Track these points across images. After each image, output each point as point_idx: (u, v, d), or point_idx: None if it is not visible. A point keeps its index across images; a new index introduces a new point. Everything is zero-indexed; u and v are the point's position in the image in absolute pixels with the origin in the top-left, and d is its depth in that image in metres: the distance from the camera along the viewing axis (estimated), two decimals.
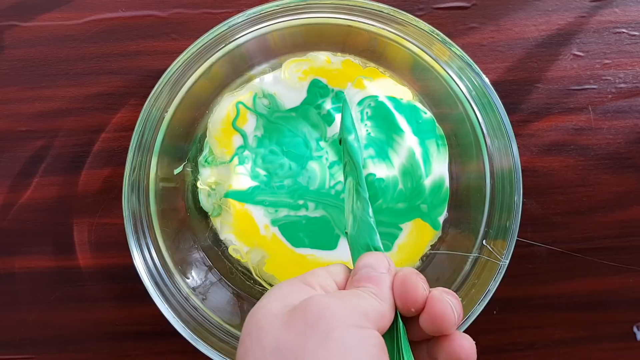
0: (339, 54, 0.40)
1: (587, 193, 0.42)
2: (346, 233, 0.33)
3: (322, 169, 0.40)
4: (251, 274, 0.40)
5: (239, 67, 0.40)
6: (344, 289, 0.28)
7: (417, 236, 0.39)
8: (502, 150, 0.36)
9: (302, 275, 0.28)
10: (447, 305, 0.26)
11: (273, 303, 0.25)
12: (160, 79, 0.36)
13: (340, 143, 0.37)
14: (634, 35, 0.42)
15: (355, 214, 0.33)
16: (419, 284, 0.27)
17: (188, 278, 0.38)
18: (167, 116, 0.37)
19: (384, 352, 0.24)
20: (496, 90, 0.36)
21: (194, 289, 0.38)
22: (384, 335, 0.25)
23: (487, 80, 0.36)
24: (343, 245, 0.40)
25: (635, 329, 0.42)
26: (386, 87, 0.40)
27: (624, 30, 0.42)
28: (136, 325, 0.42)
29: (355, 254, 0.31)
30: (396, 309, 0.27)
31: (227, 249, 0.40)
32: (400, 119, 0.40)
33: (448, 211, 0.40)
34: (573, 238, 0.42)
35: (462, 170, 0.40)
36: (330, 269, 0.29)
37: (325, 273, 0.28)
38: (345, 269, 0.30)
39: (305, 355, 0.22)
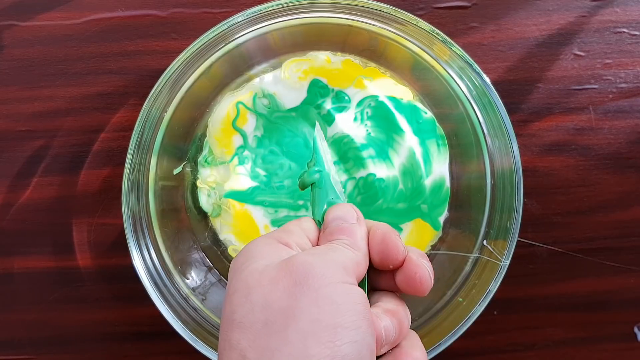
0: (339, 53, 0.40)
1: (588, 193, 0.42)
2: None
3: None
4: None
5: (238, 67, 0.40)
6: (317, 244, 0.29)
7: (417, 236, 0.39)
8: (502, 150, 0.36)
9: (277, 233, 0.28)
10: (426, 271, 0.28)
11: (258, 262, 0.26)
12: (160, 79, 0.36)
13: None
14: (635, 34, 0.42)
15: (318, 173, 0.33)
16: (399, 242, 0.28)
17: (187, 278, 0.38)
18: (167, 116, 0.37)
19: (367, 307, 0.25)
20: (497, 90, 0.36)
21: (193, 289, 0.38)
22: None
23: (487, 80, 0.36)
24: None
25: (636, 330, 0.42)
26: (386, 87, 0.40)
27: (624, 29, 0.42)
28: (135, 326, 0.42)
29: (318, 209, 0.31)
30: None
31: (227, 249, 0.40)
32: (400, 118, 0.39)
33: (448, 211, 0.40)
34: (574, 238, 0.42)
35: (462, 170, 0.40)
36: (303, 226, 0.29)
37: (299, 230, 0.29)
38: (315, 224, 0.30)
39: (296, 313, 0.23)
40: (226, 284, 0.40)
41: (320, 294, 0.24)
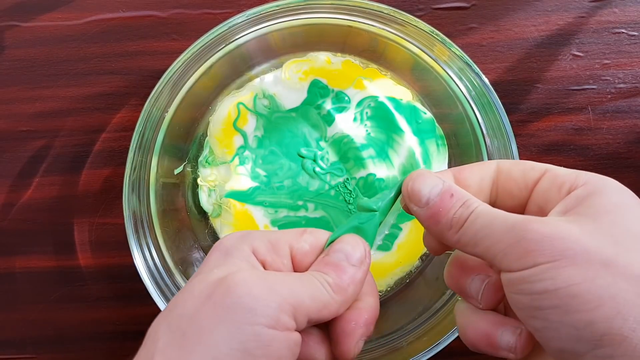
0: (339, 54, 0.40)
1: None
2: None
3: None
4: None
5: (239, 67, 0.40)
6: (310, 263, 0.26)
7: (416, 235, 0.40)
8: (501, 150, 0.37)
9: (259, 236, 0.26)
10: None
11: (217, 270, 0.24)
12: (161, 79, 0.36)
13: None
14: (633, 35, 0.42)
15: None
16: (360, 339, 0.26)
17: (188, 277, 0.38)
18: (168, 116, 0.37)
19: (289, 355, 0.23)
20: (496, 90, 0.36)
21: None
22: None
23: (486, 80, 0.36)
24: None
25: None
26: (386, 87, 0.40)
27: (623, 30, 0.42)
28: (137, 325, 0.42)
29: (339, 230, 0.28)
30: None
31: None
32: (400, 119, 0.40)
33: None
34: None
35: None
36: (306, 238, 0.27)
37: (278, 243, 0.26)
38: (319, 240, 0.27)
39: (204, 338, 0.22)
40: None
41: (242, 329, 0.22)
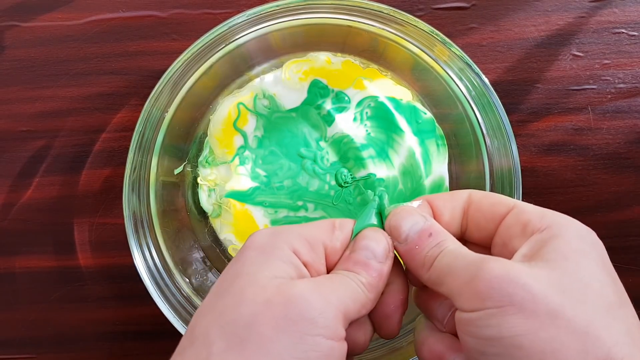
0: (339, 54, 0.40)
1: (587, 193, 0.42)
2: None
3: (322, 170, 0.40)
4: None
5: (239, 67, 0.40)
6: (338, 257, 0.27)
7: None
8: (501, 150, 0.37)
9: (296, 235, 0.26)
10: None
11: (263, 272, 0.24)
12: (161, 79, 0.36)
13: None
14: (634, 35, 0.42)
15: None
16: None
17: (188, 277, 0.38)
18: (168, 116, 0.37)
19: None
20: (496, 90, 0.36)
21: (194, 288, 0.38)
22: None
23: (486, 80, 0.36)
24: None
25: None
26: (386, 87, 0.40)
27: (623, 30, 0.42)
28: (137, 325, 0.42)
29: (359, 224, 0.28)
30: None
31: (227, 248, 0.40)
32: (400, 119, 0.40)
33: None
34: None
35: (461, 170, 0.40)
36: (335, 234, 0.27)
37: (315, 243, 0.26)
38: (350, 234, 0.28)
39: (270, 346, 0.22)
40: None
41: (304, 340, 0.22)
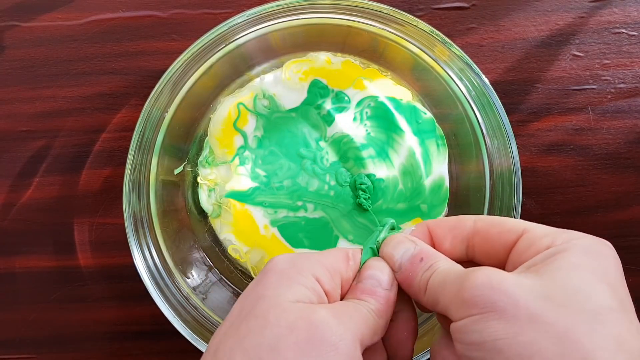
0: (339, 54, 0.40)
1: (587, 193, 0.42)
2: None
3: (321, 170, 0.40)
4: (250, 273, 0.40)
5: (239, 67, 0.40)
6: (348, 286, 0.28)
7: None
8: (501, 150, 0.37)
9: (318, 264, 0.27)
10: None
11: (286, 294, 0.25)
12: (161, 79, 0.36)
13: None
14: (633, 35, 0.42)
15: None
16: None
17: (188, 277, 0.38)
18: (168, 116, 0.37)
19: None
20: (496, 90, 0.36)
21: (194, 288, 0.38)
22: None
23: (486, 80, 0.36)
24: (342, 246, 0.40)
25: None
26: (386, 87, 0.40)
27: (623, 30, 0.42)
28: (136, 325, 0.42)
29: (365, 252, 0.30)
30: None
31: (227, 249, 0.40)
32: (400, 119, 0.40)
33: (448, 211, 0.40)
34: None
35: (461, 170, 0.40)
36: (347, 265, 0.28)
37: (334, 273, 0.27)
38: (358, 265, 0.29)
39: None
40: (227, 283, 0.40)
41: None
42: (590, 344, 0.20)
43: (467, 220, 0.27)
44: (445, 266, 0.25)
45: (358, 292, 0.27)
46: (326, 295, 0.26)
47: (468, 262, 0.27)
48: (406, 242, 0.27)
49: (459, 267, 0.25)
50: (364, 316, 0.26)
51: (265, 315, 0.24)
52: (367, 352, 0.26)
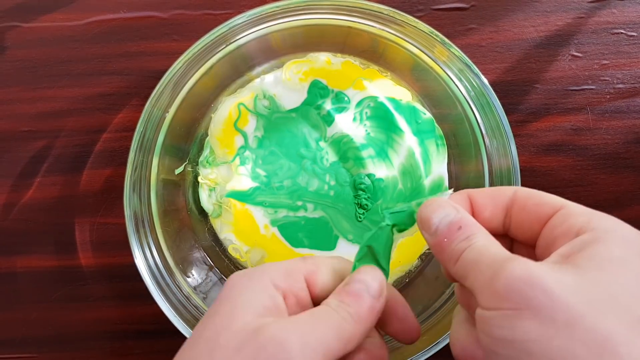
0: (339, 54, 0.41)
1: (585, 193, 0.42)
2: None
3: (321, 170, 0.40)
4: None
5: (239, 68, 0.41)
6: (330, 290, 0.27)
7: (416, 235, 0.39)
8: (500, 151, 0.37)
9: (282, 271, 0.26)
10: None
11: (238, 314, 0.24)
12: (162, 80, 0.36)
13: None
14: (632, 35, 0.42)
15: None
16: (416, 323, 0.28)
17: (189, 277, 0.38)
18: (168, 116, 0.37)
19: None
20: (495, 90, 0.36)
21: (195, 287, 0.38)
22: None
23: (485, 80, 0.36)
24: (342, 245, 0.40)
25: None
26: (385, 88, 0.40)
27: (622, 31, 0.42)
28: (137, 324, 0.42)
29: (360, 258, 0.29)
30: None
31: (227, 248, 0.40)
32: (399, 119, 0.40)
33: None
34: None
35: (461, 170, 0.40)
36: (324, 269, 0.27)
37: (293, 271, 0.26)
38: (344, 268, 0.28)
39: None
40: None
41: None
42: (628, 355, 0.19)
43: (508, 190, 0.26)
44: (482, 243, 0.24)
45: (343, 294, 0.26)
46: (285, 297, 0.25)
47: (502, 236, 0.26)
48: (447, 207, 0.25)
49: (497, 247, 0.23)
50: (335, 324, 0.24)
51: (216, 338, 0.23)
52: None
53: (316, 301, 0.27)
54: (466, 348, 0.25)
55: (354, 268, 0.28)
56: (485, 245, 0.24)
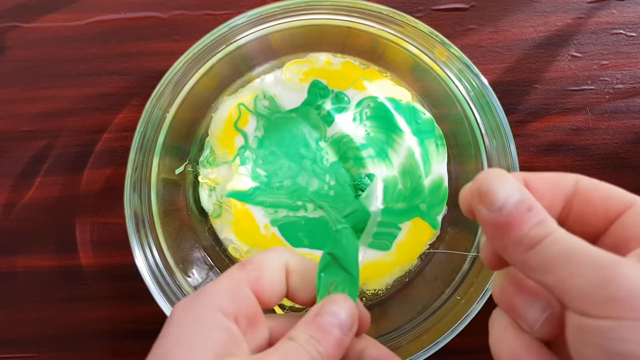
0: (339, 55, 0.41)
1: None
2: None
3: (321, 170, 0.40)
4: None
5: (239, 68, 0.41)
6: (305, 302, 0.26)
7: (416, 235, 0.40)
8: (500, 151, 0.37)
9: (225, 293, 0.24)
10: None
11: (196, 355, 0.22)
12: (162, 80, 0.36)
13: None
14: (632, 36, 0.42)
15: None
16: None
17: (189, 277, 0.39)
18: (169, 116, 0.38)
19: None
20: (494, 91, 0.36)
21: (195, 287, 0.38)
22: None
23: (485, 81, 0.36)
24: None
25: None
26: (385, 88, 0.40)
27: (621, 31, 0.42)
28: (138, 324, 0.42)
29: (323, 268, 0.27)
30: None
31: (227, 248, 0.40)
32: (399, 119, 0.40)
33: (447, 210, 0.40)
34: None
35: (461, 170, 0.40)
36: (243, 276, 0.25)
37: (238, 286, 0.25)
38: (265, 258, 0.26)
39: None
40: None
41: None
42: None
43: (570, 178, 0.23)
44: (564, 234, 0.20)
45: (315, 328, 0.24)
46: (237, 322, 0.24)
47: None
48: (514, 183, 0.21)
49: (590, 246, 0.20)
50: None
51: None
52: None
53: (268, 305, 0.26)
54: (518, 355, 0.22)
55: (319, 278, 0.26)
56: (572, 238, 0.20)
